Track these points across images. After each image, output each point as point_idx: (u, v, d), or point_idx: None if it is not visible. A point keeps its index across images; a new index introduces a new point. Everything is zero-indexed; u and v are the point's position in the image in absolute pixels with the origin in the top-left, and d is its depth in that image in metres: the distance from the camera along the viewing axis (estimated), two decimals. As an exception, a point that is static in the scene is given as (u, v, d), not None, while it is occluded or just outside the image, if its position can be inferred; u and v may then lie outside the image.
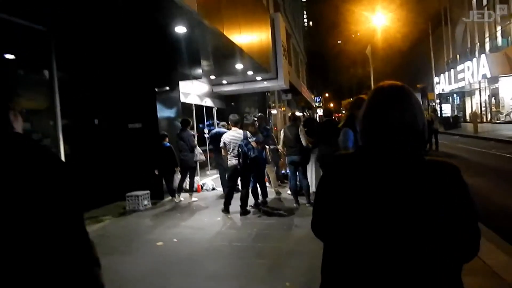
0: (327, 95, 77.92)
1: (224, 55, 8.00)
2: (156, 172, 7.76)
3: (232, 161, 6.18)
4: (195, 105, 10.80)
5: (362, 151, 1.17)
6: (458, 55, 28.71)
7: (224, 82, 11.72)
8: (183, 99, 9.83)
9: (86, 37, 5.98)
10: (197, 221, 6.01)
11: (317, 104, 58.30)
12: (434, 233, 0.99)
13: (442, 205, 1.00)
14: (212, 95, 12.34)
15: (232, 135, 6.20)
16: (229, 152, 6.19)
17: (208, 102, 11.83)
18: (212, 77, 10.52)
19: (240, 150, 5.97)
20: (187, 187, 8.08)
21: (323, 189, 1.18)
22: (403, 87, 1.16)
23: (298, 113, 29.94)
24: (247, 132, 6.18)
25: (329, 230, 1.14)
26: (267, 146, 6.87)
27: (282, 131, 6.92)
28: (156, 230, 5.65)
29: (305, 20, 64.10)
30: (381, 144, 1.10)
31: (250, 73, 10.25)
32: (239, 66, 9.08)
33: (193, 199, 7.84)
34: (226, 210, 6.25)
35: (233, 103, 14.17)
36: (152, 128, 8.08)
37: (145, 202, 7.34)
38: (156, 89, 8.09)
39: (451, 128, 25.66)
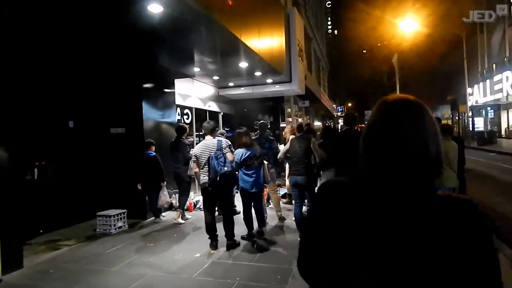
0: (350, 104, 75.76)
1: (223, 50, 6.72)
2: (139, 187, 6.53)
3: (202, 179, 4.84)
4: (195, 109, 9.55)
5: (359, 181, 0.94)
6: (494, 65, 26.47)
7: (231, 84, 10.44)
8: (180, 101, 8.60)
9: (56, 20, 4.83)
10: (169, 258, 4.66)
11: (339, 113, 56.43)
12: None
13: (456, 256, 0.82)
14: (218, 99, 11.08)
15: (204, 146, 4.85)
16: (201, 168, 4.85)
17: (212, 107, 10.57)
18: (215, 77, 9.25)
19: (208, 164, 4.67)
20: (177, 204, 6.81)
21: (315, 223, 0.98)
22: (413, 103, 0.93)
23: (317, 123, 28.24)
24: (223, 141, 4.84)
25: (319, 273, 0.96)
26: (265, 162, 5.46)
27: (289, 142, 5.51)
28: (114, 269, 4.34)
29: (329, 27, 62.44)
30: (381, 175, 0.90)
31: (258, 74, 8.92)
32: (243, 64, 7.77)
33: (180, 220, 6.54)
34: (213, 245, 4.89)
35: (244, 109, 12.88)
36: (137, 134, 6.85)
37: (119, 224, 6.07)
38: (143, 86, 6.85)
39: (485, 144, 23.42)
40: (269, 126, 11.13)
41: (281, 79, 10.05)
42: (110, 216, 5.94)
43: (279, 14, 9.46)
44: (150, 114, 7.03)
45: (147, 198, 6.70)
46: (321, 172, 5.92)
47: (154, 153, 6.62)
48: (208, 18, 4.71)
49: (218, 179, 4.67)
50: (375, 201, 0.89)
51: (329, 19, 61.96)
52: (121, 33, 5.53)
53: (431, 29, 32.12)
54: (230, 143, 4.93)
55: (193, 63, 6.88)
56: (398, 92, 48.39)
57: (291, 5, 12.02)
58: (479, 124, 31.57)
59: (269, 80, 10.00)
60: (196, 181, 6.42)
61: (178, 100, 8.64)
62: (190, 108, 9.27)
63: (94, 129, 7.01)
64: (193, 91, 9.36)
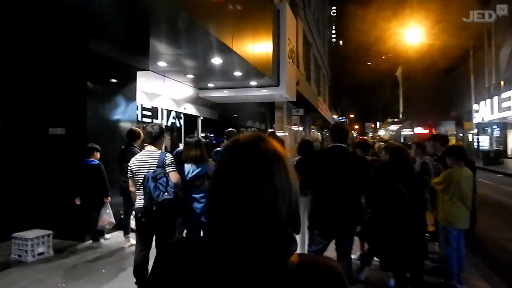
0: (352, 116, 74.67)
1: (188, 40, 5.53)
2: (77, 202, 5.31)
3: (137, 202, 3.58)
4: (166, 111, 8.35)
5: (203, 241, 0.78)
6: (502, 82, 25.26)
7: (210, 85, 9.24)
8: (145, 101, 7.41)
9: None
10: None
11: (340, 124, 55.26)
12: None
13: None
14: (197, 101, 9.88)
15: (142, 159, 3.59)
16: (137, 187, 3.59)
17: (189, 109, 9.37)
18: (190, 76, 8.06)
19: (144, 186, 3.41)
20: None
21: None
22: (262, 150, 0.75)
23: (316, 134, 26.68)
24: (167, 155, 3.58)
25: None
26: None
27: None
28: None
29: (333, 36, 61.41)
30: (220, 238, 0.73)
31: (237, 74, 7.72)
32: (216, 61, 6.58)
33: (127, 243, 5.33)
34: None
35: (228, 114, 11.68)
36: (80, 136, 5.64)
37: (40, 249, 4.82)
38: (88, 78, 5.63)
39: (491, 164, 22.15)
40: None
41: (267, 82, 8.85)
42: (26, 239, 4.69)
43: (265, 6, 8.29)
44: (97, 113, 5.82)
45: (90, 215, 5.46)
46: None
47: (97, 161, 5.40)
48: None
49: (154, 208, 3.43)
50: (211, 273, 0.72)
51: (333, 28, 60.97)
52: (55, 9, 4.34)
53: (437, 41, 31.05)
54: (170, 159, 3.64)
55: (147, 53, 5.67)
56: (401, 106, 47.33)
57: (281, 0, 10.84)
58: (485, 142, 30.23)
59: (253, 83, 8.80)
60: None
61: (143, 100, 7.45)
62: (156, 110, 8.06)
63: (29, 128, 5.80)
64: (164, 91, 8.17)
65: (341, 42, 77.43)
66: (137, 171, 3.54)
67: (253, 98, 10.05)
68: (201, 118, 10.13)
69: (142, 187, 3.49)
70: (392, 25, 39.82)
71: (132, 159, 3.62)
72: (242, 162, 0.73)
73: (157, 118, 8.10)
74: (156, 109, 8.03)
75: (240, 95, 9.60)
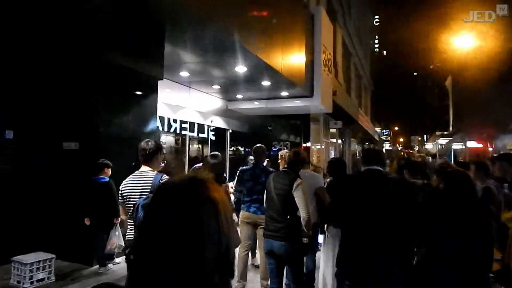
0: (396, 128, 71.29)
1: (208, 45, 5.01)
2: (86, 222, 4.91)
3: (128, 233, 2.97)
4: (191, 123, 7.89)
5: None
6: None
7: (239, 96, 8.69)
8: (168, 113, 7.00)
9: None
10: None
11: (383, 137, 52.79)
12: None
13: None
14: (226, 113, 9.37)
15: (134, 182, 2.99)
16: (128, 215, 2.99)
17: (217, 122, 8.87)
18: (215, 86, 7.56)
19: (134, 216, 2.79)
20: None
21: None
22: (192, 195, 0.74)
23: (354, 146, 25.09)
24: (164, 177, 2.95)
25: None
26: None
27: (268, 182, 3.52)
28: None
29: (376, 46, 59.30)
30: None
31: (265, 84, 7.10)
32: (240, 69, 6.00)
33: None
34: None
35: (260, 127, 11.06)
36: (92, 151, 5.27)
37: (41, 275, 4.40)
38: (101, 90, 5.26)
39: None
40: (282, 152, 8.92)
41: (300, 93, 8.13)
42: (25, 264, 4.30)
43: (297, 10, 7.63)
44: (113, 126, 5.42)
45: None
46: (325, 229, 3.91)
47: (107, 179, 4.98)
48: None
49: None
50: None
51: (376, 37, 58.92)
52: (69, 18, 4.01)
53: (492, 49, 28.60)
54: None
55: (161, 60, 5.18)
56: (451, 118, 44.21)
57: (317, 4, 10.12)
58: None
59: (284, 93, 8.12)
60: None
61: (166, 112, 7.04)
62: (183, 123, 7.61)
63: (41, 141, 5.54)
64: (189, 103, 7.73)
65: (384, 52, 74.69)
66: (128, 196, 2.97)
67: (285, 109, 9.34)
68: (230, 131, 9.59)
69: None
70: (439, 31, 37.54)
71: (124, 181, 3.07)
72: (168, 209, 0.71)
73: (192, 131, 7.65)
74: (181, 122, 7.59)
75: (271, 106, 8.95)
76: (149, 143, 3.10)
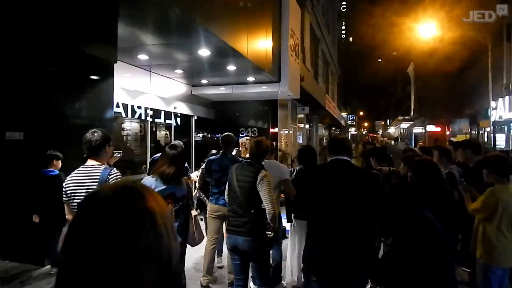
0: (361, 113, 73.25)
1: (166, 25, 4.64)
2: (36, 219, 4.51)
3: None
4: (152, 110, 7.47)
5: None
6: (523, 78, 23.88)
7: (204, 81, 8.33)
8: (126, 99, 6.56)
9: None
10: None
11: (349, 122, 53.99)
12: None
13: None
14: (191, 99, 9.00)
15: (78, 178, 2.69)
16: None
17: (181, 108, 8.48)
18: (178, 71, 7.18)
19: None
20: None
21: None
22: (125, 207, 0.66)
23: (322, 132, 25.38)
24: (112, 172, 2.67)
25: None
26: (193, 212, 3.19)
27: (230, 174, 3.30)
28: None
29: (343, 33, 59.85)
30: None
31: (231, 68, 6.81)
32: (203, 52, 5.67)
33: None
34: None
35: (227, 113, 10.76)
36: (39, 142, 4.79)
37: (-20, 278, 4.00)
38: (49, 69, 4.75)
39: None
40: (242, 140, 8.79)
41: (267, 78, 7.91)
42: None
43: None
44: (61, 113, 4.95)
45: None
46: (292, 217, 3.78)
47: (57, 172, 4.58)
48: None
49: None
50: None
51: (343, 23, 59.44)
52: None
53: (451, 38, 29.68)
54: (119, 175, 2.75)
55: (115, 42, 4.74)
56: (412, 104, 45.99)
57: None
58: (501, 141, 28.81)
59: (251, 79, 7.87)
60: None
61: (124, 98, 6.59)
62: (141, 109, 7.18)
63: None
64: (151, 88, 7.29)
65: (351, 39, 75.71)
66: (72, 194, 2.66)
67: (252, 95, 9.10)
68: (195, 117, 9.24)
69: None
70: (403, 19, 38.45)
71: (68, 177, 2.75)
72: (95, 226, 0.64)
73: (142, 119, 7.24)
74: (140, 108, 7.16)
75: (238, 92, 8.67)
76: (95, 134, 2.78)
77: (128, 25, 4.71)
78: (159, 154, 4.95)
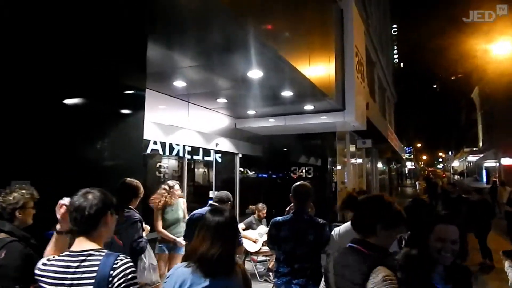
0: (419, 145, 68.22)
1: (210, 44, 3.35)
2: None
3: None
4: (190, 148, 6.20)
5: None
6: None
7: (251, 112, 6.98)
8: (159, 136, 5.35)
9: None
10: None
11: (407, 155, 49.94)
12: None
13: None
14: (235, 134, 7.66)
15: (57, 271, 1.39)
16: None
17: (223, 145, 7.15)
18: (221, 100, 5.89)
19: None
20: None
21: None
22: None
23: (380, 166, 22.55)
24: (119, 261, 1.37)
25: None
26: None
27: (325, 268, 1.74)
28: None
29: (395, 57, 56.97)
30: None
31: (285, 95, 5.38)
32: (254, 74, 4.30)
33: None
34: None
35: (275, 149, 9.27)
36: (46, 193, 3.58)
37: None
38: (65, 102, 3.61)
39: None
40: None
41: (330, 106, 6.36)
42: None
43: (323, 6, 5.95)
44: (78, 156, 3.75)
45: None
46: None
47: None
48: None
49: None
50: None
51: (395, 47, 56.72)
52: None
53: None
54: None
55: (144, 66, 3.47)
56: (480, 132, 41.53)
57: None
58: None
59: (309, 107, 6.37)
60: None
61: (157, 135, 5.39)
62: (179, 146, 5.93)
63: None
64: (189, 122, 6.07)
65: (401, 64, 72.21)
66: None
67: (309, 127, 7.53)
68: (239, 155, 7.86)
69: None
70: (462, 41, 35.37)
71: (40, 264, 1.48)
72: None
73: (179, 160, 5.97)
74: (177, 146, 5.92)
75: (292, 124, 7.18)
76: (89, 196, 1.55)
77: (160, 43, 3.47)
78: (203, 210, 3.48)
